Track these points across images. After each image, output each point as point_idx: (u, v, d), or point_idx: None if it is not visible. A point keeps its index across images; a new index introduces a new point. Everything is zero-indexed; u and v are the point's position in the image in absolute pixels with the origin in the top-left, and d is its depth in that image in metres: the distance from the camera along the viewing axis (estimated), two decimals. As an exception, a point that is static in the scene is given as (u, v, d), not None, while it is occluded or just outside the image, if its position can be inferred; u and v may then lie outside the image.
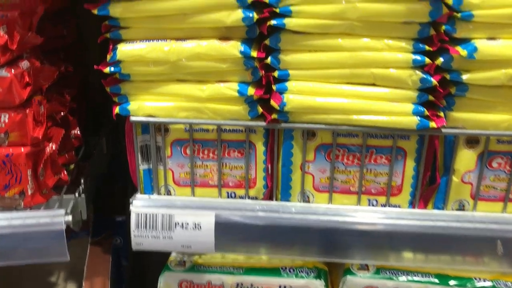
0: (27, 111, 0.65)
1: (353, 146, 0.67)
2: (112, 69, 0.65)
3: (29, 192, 0.68)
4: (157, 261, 0.82)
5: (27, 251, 0.68)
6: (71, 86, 0.89)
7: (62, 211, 0.69)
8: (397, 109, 0.63)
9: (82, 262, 0.88)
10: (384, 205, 0.70)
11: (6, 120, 0.65)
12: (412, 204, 0.70)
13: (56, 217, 0.68)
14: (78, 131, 0.90)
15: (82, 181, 0.79)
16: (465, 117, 0.64)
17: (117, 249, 0.97)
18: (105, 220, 0.94)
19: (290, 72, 0.64)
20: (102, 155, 0.99)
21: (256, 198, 0.72)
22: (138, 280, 1.04)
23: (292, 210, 0.69)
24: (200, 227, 0.69)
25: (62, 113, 0.80)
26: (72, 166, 0.86)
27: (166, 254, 0.81)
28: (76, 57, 0.91)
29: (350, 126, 0.65)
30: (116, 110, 0.67)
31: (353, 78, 0.63)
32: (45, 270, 1.01)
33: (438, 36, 0.60)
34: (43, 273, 1.01)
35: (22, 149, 0.66)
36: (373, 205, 0.70)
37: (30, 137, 0.66)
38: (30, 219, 0.68)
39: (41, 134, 0.66)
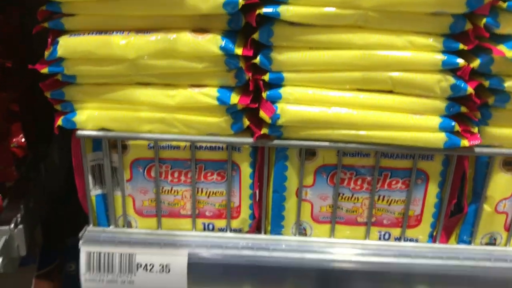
0: None
1: (363, 168, 0.54)
2: (52, 68, 0.50)
3: None
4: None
5: None
6: (12, 87, 0.73)
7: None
8: (420, 123, 0.50)
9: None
10: (399, 239, 0.57)
11: None
12: (432, 238, 0.57)
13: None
14: (22, 139, 0.74)
15: (21, 206, 0.64)
16: (504, 134, 0.51)
17: (71, 278, 0.82)
18: (56, 246, 0.79)
19: (285, 75, 0.49)
20: (53, 168, 0.83)
21: (240, 231, 0.58)
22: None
23: (284, 247, 0.56)
24: (169, 269, 0.54)
25: (-6, 122, 0.64)
26: (9, 185, 0.70)
27: None
28: (19, 53, 0.75)
29: (359, 143, 0.51)
30: (59, 121, 0.52)
31: (365, 84, 0.50)
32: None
33: (475, 31, 0.47)
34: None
35: None
36: (385, 239, 0.57)
37: None
38: None
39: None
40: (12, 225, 0.60)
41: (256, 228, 0.58)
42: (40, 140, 0.84)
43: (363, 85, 0.50)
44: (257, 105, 0.51)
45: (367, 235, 0.56)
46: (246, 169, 0.55)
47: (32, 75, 0.72)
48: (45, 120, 0.89)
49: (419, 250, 0.56)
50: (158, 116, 0.52)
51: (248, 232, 0.58)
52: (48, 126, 0.87)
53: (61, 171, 0.86)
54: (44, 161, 0.79)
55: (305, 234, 0.57)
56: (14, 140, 0.72)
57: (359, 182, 0.54)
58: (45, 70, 0.50)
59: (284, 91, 0.49)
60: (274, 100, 0.50)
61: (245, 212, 0.57)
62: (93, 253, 0.55)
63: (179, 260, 0.54)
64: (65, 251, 0.81)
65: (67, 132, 0.58)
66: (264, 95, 0.50)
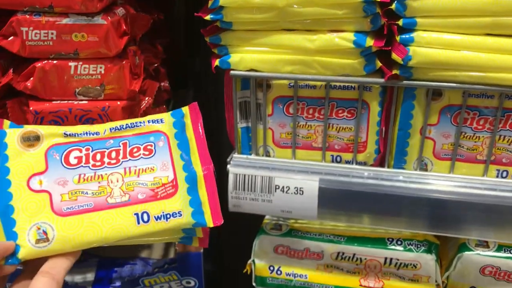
0: (124, 62, 0.61)
1: (486, 109, 0.58)
2: (213, 16, 0.59)
3: (125, 148, 0.65)
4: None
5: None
6: (162, 36, 0.85)
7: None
8: (547, 66, 0.53)
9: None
10: (517, 177, 0.61)
11: (102, 72, 0.61)
12: (551, 178, 0.60)
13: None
14: (168, 84, 0.86)
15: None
16: None
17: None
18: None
19: (418, 20, 0.54)
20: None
21: (365, 164, 0.65)
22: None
23: (406, 179, 0.62)
24: (303, 192, 0.63)
25: (155, 65, 0.75)
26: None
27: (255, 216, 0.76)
28: (161, 4, 0.86)
29: (485, 85, 0.55)
30: (216, 62, 0.61)
31: (494, 29, 0.53)
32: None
33: None
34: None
35: (118, 102, 0.62)
36: (502, 177, 0.61)
37: (127, 90, 0.62)
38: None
39: (138, 87, 0.62)
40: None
41: (380, 163, 0.64)
42: (179, 87, 0.96)
43: (492, 30, 0.53)
44: (390, 48, 0.56)
45: (485, 172, 0.61)
46: (375, 108, 0.61)
47: (171, 31, 0.84)
48: (182, 71, 1.02)
49: (537, 188, 0.59)
50: (299, 58, 0.59)
51: (372, 165, 0.64)
52: (184, 75, 0.99)
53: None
54: (183, 103, 0.91)
55: (425, 170, 0.63)
56: (162, 84, 0.84)
57: (481, 122, 0.59)
58: (208, 17, 0.59)
59: (416, 35, 0.54)
60: (406, 43, 0.55)
61: (371, 147, 0.63)
62: (239, 175, 0.65)
63: (311, 185, 0.63)
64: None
65: (204, 80, 0.67)
66: (397, 38, 0.55)
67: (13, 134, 0.52)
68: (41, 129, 0.53)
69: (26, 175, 0.51)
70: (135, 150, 0.54)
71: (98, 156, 0.53)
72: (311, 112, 0.63)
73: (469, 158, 0.61)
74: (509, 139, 0.59)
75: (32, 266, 0.49)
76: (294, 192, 0.63)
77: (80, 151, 0.53)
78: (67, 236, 0.49)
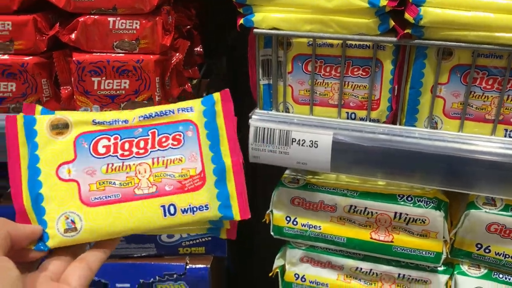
0: (157, 19, 0.67)
1: (495, 69, 0.60)
2: (239, -23, 0.63)
3: (157, 99, 0.71)
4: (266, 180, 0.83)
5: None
6: (195, 0, 0.90)
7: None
8: (555, 27, 0.55)
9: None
10: (524, 137, 0.63)
11: (138, 27, 0.67)
12: (558, 139, 0.62)
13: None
14: (201, 49, 0.91)
15: (204, 94, 0.81)
16: None
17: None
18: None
19: (430, -19, 0.57)
20: (221, 75, 1.01)
21: (378, 121, 0.68)
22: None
23: (416, 135, 0.65)
24: (317, 145, 0.67)
25: (187, 27, 0.81)
26: (194, 82, 0.89)
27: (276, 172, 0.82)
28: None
29: (494, 45, 0.58)
30: (241, 21, 0.66)
31: (505, -11, 0.55)
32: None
33: None
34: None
35: (151, 56, 0.68)
36: (510, 137, 0.63)
37: (159, 45, 0.67)
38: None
39: (169, 42, 0.68)
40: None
41: (392, 120, 0.68)
42: (212, 55, 1.02)
43: (502, -9, 0.56)
44: (402, 8, 0.60)
45: (493, 131, 0.63)
46: (388, 66, 0.64)
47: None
48: (214, 40, 1.07)
49: (544, 148, 0.61)
50: (317, 17, 0.63)
51: (385, 122, 0.68)
52: (216, 45, 1.05)
53: (226, 78, 1.04)
54: (215, 69, 0.97)
55: (435, 128, 0.66)
56: (195, 49, 0.90)
57: (490, 82, 0.61)
58: (234, -22, 0.64)
59: (427, -5, 0.58)
60: (419, 3, 0.58)
61: (384, 104, 0.67)
62: (259, 128, 0.70)
63: (325, 138, 0.67)
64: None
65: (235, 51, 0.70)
66: (409, -1, 0.58)
67: (43, 121, 0.51)
68: (70, 117, 0.52)
69: (55, 163, 0.50)
70: (163, 139, 0.53)
71: (127, 146, 0.52)
72: (328, 70, 0.67)
73: (478, 117, 0.63)
74: (517, 99, 0.61)
75: (63, 251, 0.50)
76: (309, 145, 0.68)
77: (109, 139, 0.52)
78: (94, 227, 0.49)
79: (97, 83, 0.68)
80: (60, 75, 0.70)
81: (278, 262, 0.82)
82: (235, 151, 0.54)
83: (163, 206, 0.50)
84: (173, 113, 0.54)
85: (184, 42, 0.75)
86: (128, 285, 0.83)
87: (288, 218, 0.77)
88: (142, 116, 0.53)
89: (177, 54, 0.73)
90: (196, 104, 0.55)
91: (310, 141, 0.68)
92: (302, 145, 0.68)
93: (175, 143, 0.53)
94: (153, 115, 0.54)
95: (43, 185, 0.49)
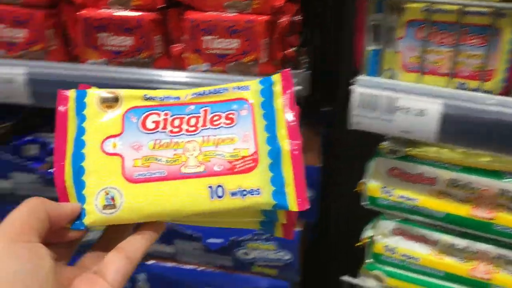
0: (270, -21, 0.68)
1: None
2: None
3: (261, 61, 0.73)
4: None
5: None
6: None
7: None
8: None
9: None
10: None
11: (250, -13, 0.68)
12: None
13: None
14: (300, 17, 0.91)
15: (304, 60, 0.82)
16: None
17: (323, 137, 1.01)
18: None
19: None
20: (317, 46, 1.00)
21: (491, 93, 0.66)
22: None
23: (533, 109, 0.62)
24: (424, 114, 0.66)
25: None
26: (294, 49, 0.89)
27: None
28: None
29: None
30: (354, -16, 0.66)
31: None
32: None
33: None
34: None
35: (263, 17, 0.69)
36: None
37: (270, 6, 0.68)
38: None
39: (282, 3, 0.68)
40: (302, 70, 0.78)
41: (506, 93, 0.65)
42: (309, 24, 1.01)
43: None
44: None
45: None
46: (507, 35, 0.62)
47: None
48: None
49: None
50: (436, -18, 0.62)
51: (499, 94, 0.65)
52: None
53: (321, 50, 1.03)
54: (312, 39, 0.96)
55: (555, 102, 0.62)
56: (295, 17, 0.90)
57: None
58: None
59: None
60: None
61: (499, 75, 0.64)
62: (363, 94, 0.69)
63: (434, 108, 0.66)
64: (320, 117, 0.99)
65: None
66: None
67: (94, 95, 0.49)
68: (121, 91, 0.50)
69: (101, 136, 0.48)
70: (216, 118, 0.49)
71: (177, 122, 0.49)
72: (441, 37, 0.65)
73: None
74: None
75: (107, 239, 0.46)
76: (416, 114, 0.67)
77: (159, 115, 0.49)
78: (134, 205, 0.45)
79: (208, 41, 0.71)
80: (173, 33, 0.73)
81: (367, 233, 0.82)
82: (294, 134, 0.48)
83: (210, 187, 0.46)
84: (227, 91, 0.51)
85: (291, 6, 0.76)
86: (220, 240, 0.86)
87: (384, 189, 0.77)
88: (195, 93, 0.51)
89: (285, 17, 0.74)
90: (253, 83, 0.51)
91: (417, 109, 0.67)
92: (407, 113, 0.67)
93: (228, 121, 0.49)
94: (207, 93, 0.51)
95: (86, 158, 0.47)
